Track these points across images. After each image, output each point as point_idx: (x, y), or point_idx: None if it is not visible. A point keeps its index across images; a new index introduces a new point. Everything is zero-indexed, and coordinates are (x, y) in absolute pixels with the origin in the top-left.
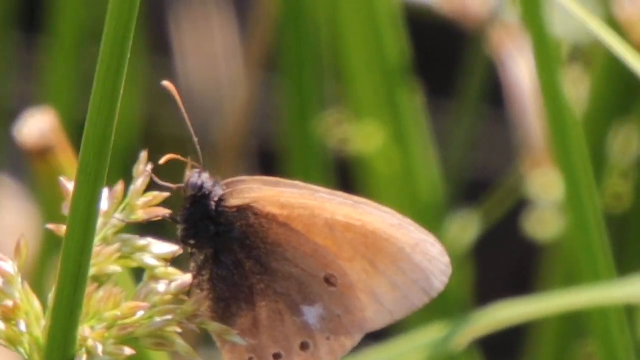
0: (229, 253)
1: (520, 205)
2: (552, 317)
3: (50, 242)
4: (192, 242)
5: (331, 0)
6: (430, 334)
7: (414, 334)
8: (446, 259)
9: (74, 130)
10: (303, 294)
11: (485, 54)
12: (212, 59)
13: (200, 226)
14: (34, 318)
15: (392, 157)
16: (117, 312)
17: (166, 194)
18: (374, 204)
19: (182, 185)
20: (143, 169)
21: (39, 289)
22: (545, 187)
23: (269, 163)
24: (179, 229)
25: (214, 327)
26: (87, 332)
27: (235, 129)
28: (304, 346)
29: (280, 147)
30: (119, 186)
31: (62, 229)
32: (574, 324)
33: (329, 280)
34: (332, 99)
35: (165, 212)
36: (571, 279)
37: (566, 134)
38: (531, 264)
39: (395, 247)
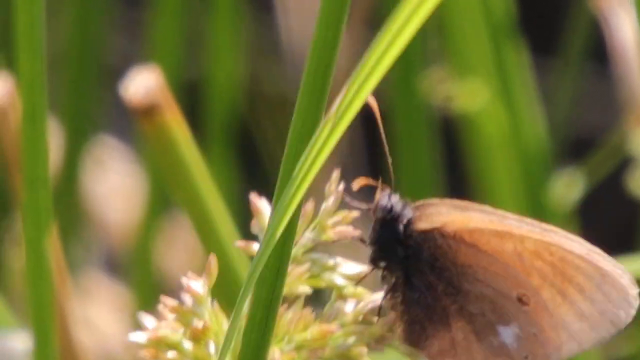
0: (419, 275)
1: (625, 163)
2: None
3: (157, 202)
4: (381, 263)
5: None
6: None
7: None
8: (635, 291)
9: (180, 88)
10: (497, 314)
11: (589, 11)
12: (314, 15)
13: (389, 248)
14: (222, 339)
15: (497, 114)
16: (307, 335)
17: (356, 214)
18: (563, 232)
19: (372, 206)
20: (335, 188)
21: (144, 249)
22: None
23: (373, 121)
24: (369, 251)
25: (402, 349)
26: (277, 354)
27: (339, 86)
28: None
29: (385, 105)
30: (310, 205)
31: (251, 246)
32: None
33: (521, 300)
34: (436, 56)
35: (355, 233)
36: None
37: None
38: (636, 221)
39: (583, 276)
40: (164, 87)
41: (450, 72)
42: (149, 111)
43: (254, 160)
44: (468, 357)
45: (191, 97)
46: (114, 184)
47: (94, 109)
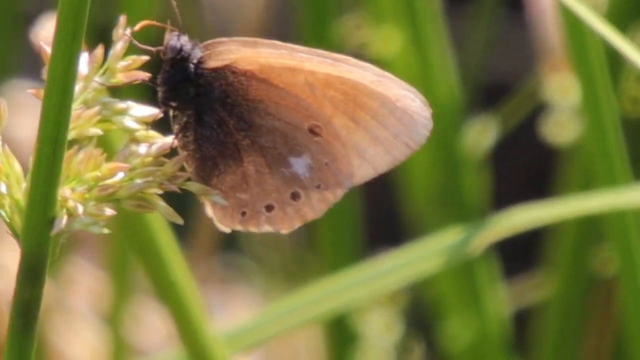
0: (211, 112)
1: (538, 109)
2: (569, 222)
3: None
4: (173, 104)
5: None
6: (447, 239)
7: (430, 238)
8: (427, 113)
9: (91, 34)
10: (289, 146)
11: None
12: None
13: (180, 88)
14: (14, 180)
15: (410, 60)
16: (97, 173)
17: (145, 58)
18: (354, 61)
19: (161, 48)
20: (122, 33)
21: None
22: (563, 91)
23: None
24: (160, 92)
25: (194, 187)
26: (68, 193)
27: (255, 32)
28: (294, 196)
29: None
30: (99, 50)
31: (42, 93)
32: (591, 228)
33: (313, 131)
34: (350, 2)
35: (144, 75)
36: (588, 183)
37: (583, 37)
38: (548, 168)
39: (375, 102)
40: None
41: (364, 19)
42: None
43: None
44: (260, 189)
45: (105, 41)
46: (27, 128)
47: (9, 54)
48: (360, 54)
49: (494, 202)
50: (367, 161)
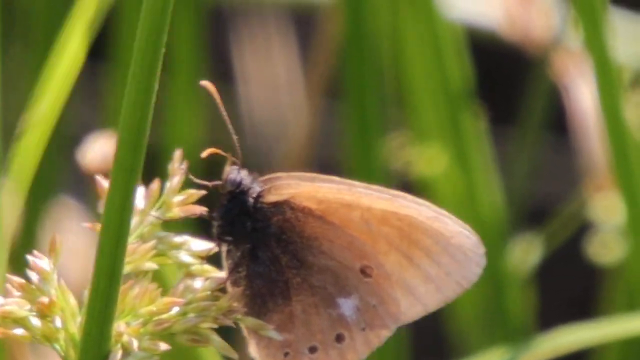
0: (265, 249)
1: (583, 230)
2: (614, 342)
3: None
4: (228, 238)
5: (393, 25)
6: (492, 359)
7: (475, 358)
8: (481, 250)
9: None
10: (339, 286)
11: (548, 79)
12: (274, 86)
13: (237, 222)
14: (69, 314)
15: (454, 180)
16: (153, 308)
17: (202, 192)
18: (411, 197)
19: (218, 182)
20: (178, 167)
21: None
22: (608, 211)
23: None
24: (215, 226)
25: (249, 322)
26: (123, 327)
27: (298, 155)
28: (339, 338)
29: (344, 173)
30: (155, 184)
31: (98, 227)
32: (636, 349)
33: (364, 271)
34: (394, 123)
35: (201, 209)
36: (634, 304)
37: (628, 158)
38: (594, 288)
39: (430, 239)
40: None
41: (408, 139)
42: (105, 176)
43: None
44: (305, 330)
45: (152, 163)
46: (72, 246)
47: (54, 172)
48: (404, 173)
49: (538, 322)
50: (418, 299)
